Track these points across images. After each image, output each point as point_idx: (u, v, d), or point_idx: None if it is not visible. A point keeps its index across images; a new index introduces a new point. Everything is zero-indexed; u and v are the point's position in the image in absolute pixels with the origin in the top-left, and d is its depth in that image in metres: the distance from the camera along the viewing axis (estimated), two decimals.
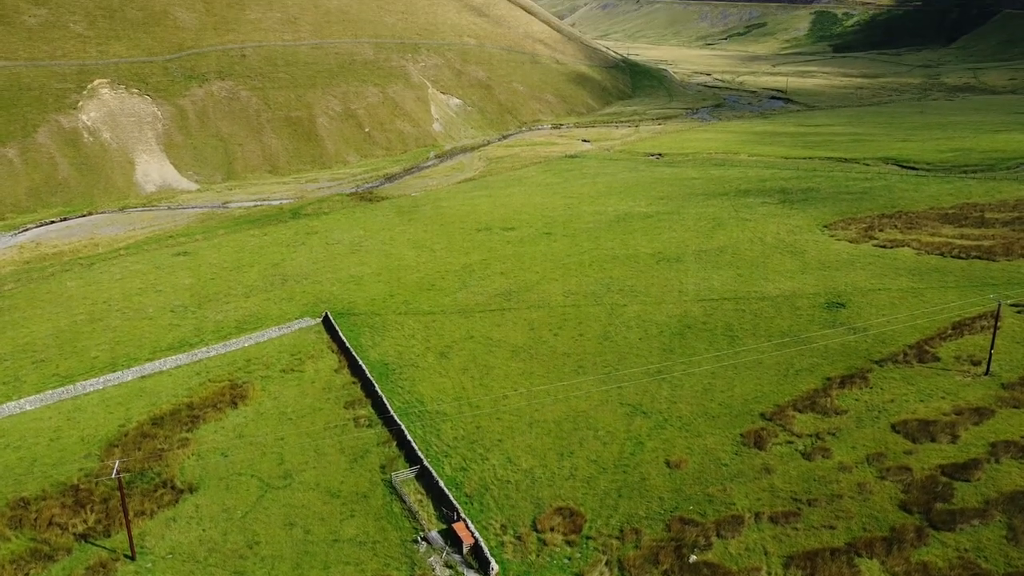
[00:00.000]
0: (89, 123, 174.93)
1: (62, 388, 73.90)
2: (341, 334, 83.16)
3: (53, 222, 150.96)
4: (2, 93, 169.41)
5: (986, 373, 65.82)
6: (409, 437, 62.18)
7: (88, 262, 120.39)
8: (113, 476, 53.05)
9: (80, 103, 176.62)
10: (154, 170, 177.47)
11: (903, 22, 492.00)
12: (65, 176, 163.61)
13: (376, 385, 71.11)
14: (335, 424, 66.19)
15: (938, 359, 69.15)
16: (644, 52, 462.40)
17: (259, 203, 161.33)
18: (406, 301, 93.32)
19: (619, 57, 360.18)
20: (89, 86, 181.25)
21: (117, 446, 63.50)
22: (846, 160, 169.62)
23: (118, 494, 54.75)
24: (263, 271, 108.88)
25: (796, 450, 57.64)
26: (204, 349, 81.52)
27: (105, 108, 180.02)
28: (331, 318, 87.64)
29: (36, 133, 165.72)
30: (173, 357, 79.76)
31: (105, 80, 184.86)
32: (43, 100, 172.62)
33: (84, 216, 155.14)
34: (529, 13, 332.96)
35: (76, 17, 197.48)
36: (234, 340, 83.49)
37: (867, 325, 76.93)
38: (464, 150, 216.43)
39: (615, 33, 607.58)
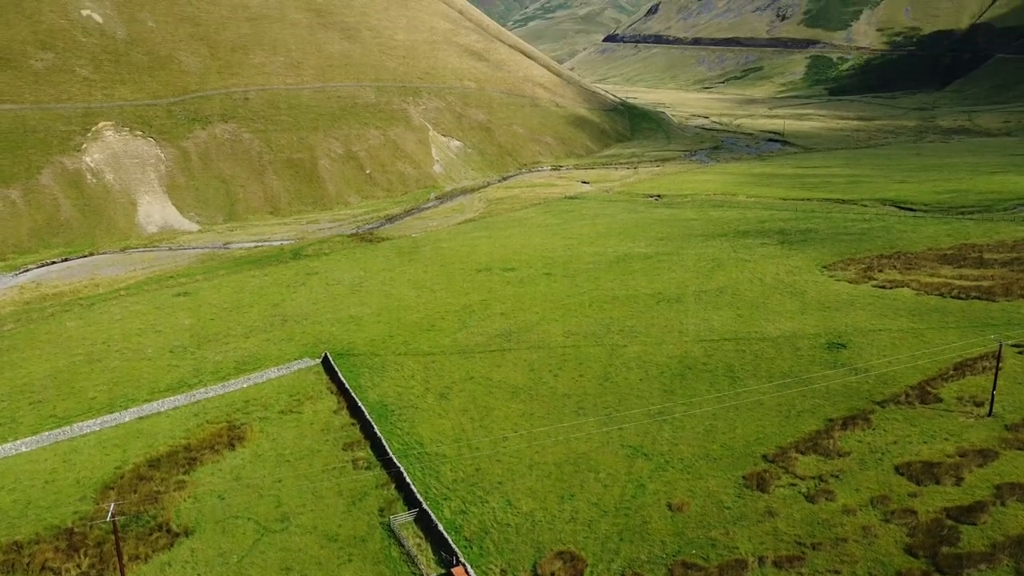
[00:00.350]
0: (92, 165, 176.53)
1: (59, 429, 73.38)
2: (340, 375, 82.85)
3: (54, 262, 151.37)
4: (7, 135, 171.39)
5: (989, 414, 65.46)
6: (408, 479, 61.57)
7: (88, 302, 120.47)
8: (108, 519, 52.39)
9: (84, 145, 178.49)
10: (156, 211, 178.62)
11: (897, 66, 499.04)
12: (67, 217, 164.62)
13: (375, 426, 70.62)
14: (333, 466, 65.58)
15: (940, 400, 68.82)
16: (642, 95, 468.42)
17: (260, 244, 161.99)
18: (406, 342, 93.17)
19: (618, 100, 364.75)
20: (93, 128, 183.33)
21: (113, 488, 62.87)
22: (844, 201, 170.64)
23: (112, 538, 53.96)
24: (263, 311, 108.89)
25: (799, 492, 57.03)
26: (202, 390, 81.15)
27: (109, 150, 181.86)
28: (330, 359, 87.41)
29: (40, 174, 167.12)
30: (171, 398, 79.36)
31: (109, 123, 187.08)
32: (47, 142, 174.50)
33: (85, 257, 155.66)
34: (529, 57, 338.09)
35: (82, 61, 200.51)
36: (233, 381, 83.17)
37: (868, 366, 76.70)
38: (464, 191, 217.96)
39: (614, 77, 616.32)
